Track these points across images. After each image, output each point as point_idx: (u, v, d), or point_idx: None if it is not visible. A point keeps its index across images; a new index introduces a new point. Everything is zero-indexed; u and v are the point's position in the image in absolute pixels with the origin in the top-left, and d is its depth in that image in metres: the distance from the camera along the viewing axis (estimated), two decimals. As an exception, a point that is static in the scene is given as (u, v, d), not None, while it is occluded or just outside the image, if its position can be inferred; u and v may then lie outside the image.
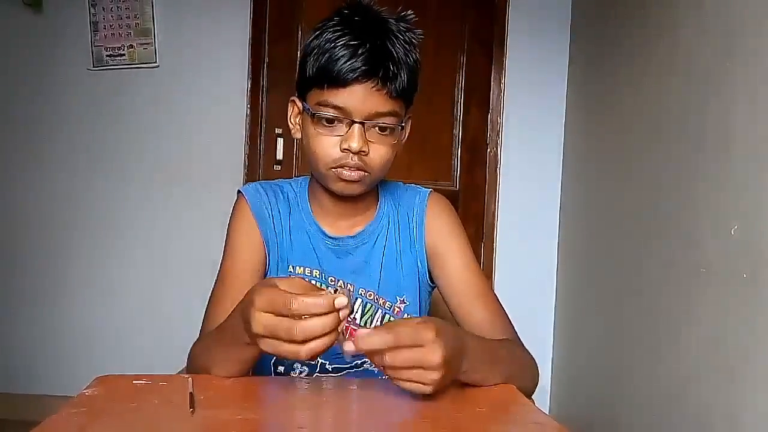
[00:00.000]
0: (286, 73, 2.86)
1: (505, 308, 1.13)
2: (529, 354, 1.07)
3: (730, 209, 1.69)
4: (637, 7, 2.37)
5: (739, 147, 1.67)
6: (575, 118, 2.97)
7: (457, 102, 3.08)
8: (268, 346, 0.77)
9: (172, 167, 2.96)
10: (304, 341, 0.74)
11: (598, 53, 2.75)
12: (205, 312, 1.08)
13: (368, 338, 0.77)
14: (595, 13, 2.82)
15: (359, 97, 1.00)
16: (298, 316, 0.74)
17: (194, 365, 0.97)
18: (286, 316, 0.75)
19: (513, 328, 1.11)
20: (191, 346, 1.03)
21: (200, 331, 1.07)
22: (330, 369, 1.13)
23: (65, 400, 0.78)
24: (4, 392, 2.91)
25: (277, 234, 1.14)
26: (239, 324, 0.82)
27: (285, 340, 0.75)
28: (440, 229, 1.17)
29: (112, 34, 2.92)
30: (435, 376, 0.79)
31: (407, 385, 0.79)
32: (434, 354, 0.78)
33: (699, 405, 1.78)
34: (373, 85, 1.00)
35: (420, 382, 0.79)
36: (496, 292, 1.15)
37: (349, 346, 0.77)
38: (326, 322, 0.74)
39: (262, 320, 0.76)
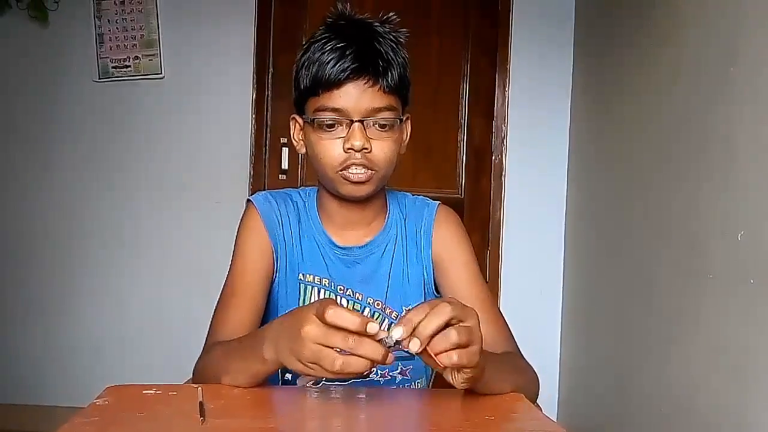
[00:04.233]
0: (290, 83, 2.85)
1: (508, 322, 1.14)
2: (532, 368, 1.08)
3: (736, 215, 1.69)
4: (641, 15, 2.37)
5: (744, 152, 1.67)
6: (580, 123, 2.97)
7: (462, 109, 3.08)
8: (310, 351, 0.76)
9: (178, 178, 2.97)
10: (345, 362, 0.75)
11: (601, 58, 2.75)
12: (213, 318, 1.09)
13: (438, 344, 0.76)
14: (599, 18, 2.83)
15: (354, 96, 1.02)
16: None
17: (204, 374, 0.98)
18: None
19: (515, 342, 1.12)
20: (199, 356, 1.03)
21: (206, 337, 1.07)
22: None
23: (75, 410, 0.78)
24: (15, 404, 2.91)
25: (286, 242, 1.14)
26: (266, 338, 0.84)
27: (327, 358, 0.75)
28: (447, 241, 1.18)
29: (118, 45, 2.93)
30: (477, 356, 0.79)
31: (460, 376, 0.80)
32: (475, 332, 0.79)
33: (707, 410, 1.78)
34: (365, 82, 1.02)
35: (466, 365, 0.79)
36: (501, 301, 1.16)
37: (398, 333, 0.76)
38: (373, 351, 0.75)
39: (320, 328, 0.76)
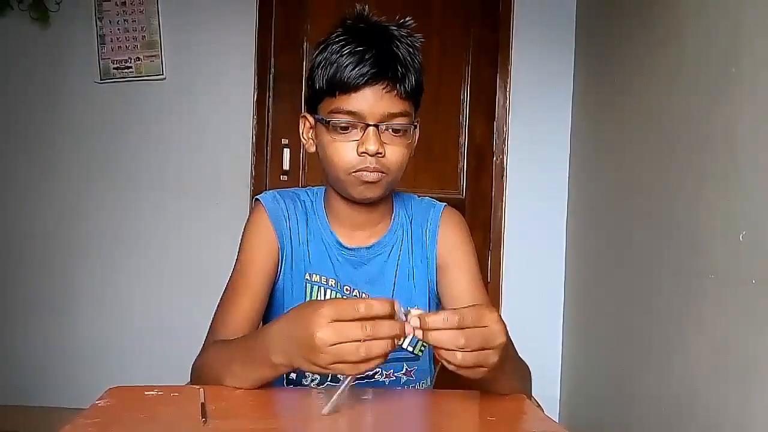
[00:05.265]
0: (292, 84, 2.87)
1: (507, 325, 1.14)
2: (528, 368, 1.08)
3: (738, 215, 1.69)
4: (642, 15, 2.37)
5: (746, 153, 1.67)
6: (581, 124, 2.97)
7: (463, 110, 3.08)
8: (330, 354, 0.76)
9: (179, 179, 2.97)
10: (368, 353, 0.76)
11: (603, 60, 2.75)
12: (214, 316, 1.09)
13: (433, 322, 0.77)
14: (600, 19, 2.83)
15: (371, 101, 1.03)
16: (366, 319, 0.76)
17: (205, 373, 0.97)
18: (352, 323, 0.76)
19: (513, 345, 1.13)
20: (197, 354, 1.03)
21: (207, 335, 1.07)
22: (341, 377, 1.13)
23: (76, 411, 0.78)
24: (16, 405, 2.91)
25: (293, 242, 1.15)
26: (273, 344, 0.84)
27: (352, 342, 0.75)
28: (450, 244, 1.19)
29: (119, 47, 2.93)
30: (495, 358, 0.80)
31: (468, 372, 0.79)
32: (499, 335, 0.80)
33: (708, 411, 1.77)
34: (382, 87, 1.03)
35: (480, 366, 0.79)
36: (503, 302, 1.16)
37: (414, 322, 0.77)
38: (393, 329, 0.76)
39: (331, 328, 0.76)
